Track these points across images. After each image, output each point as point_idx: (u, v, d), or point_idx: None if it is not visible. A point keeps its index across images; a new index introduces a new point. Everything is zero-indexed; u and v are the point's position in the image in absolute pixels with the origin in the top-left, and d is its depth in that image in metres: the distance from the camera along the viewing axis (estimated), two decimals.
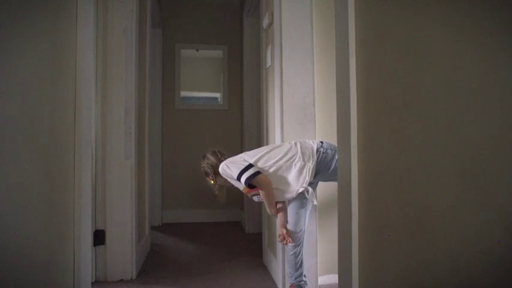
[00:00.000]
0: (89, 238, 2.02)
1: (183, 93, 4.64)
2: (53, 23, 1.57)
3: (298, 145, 2.02)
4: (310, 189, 2.02)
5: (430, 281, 0.84)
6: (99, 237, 2.46)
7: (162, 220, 4.39)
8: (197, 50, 4.69)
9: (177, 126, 4.54)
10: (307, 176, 1.98)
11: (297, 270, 2.06)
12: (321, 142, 2.05)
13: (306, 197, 2.05)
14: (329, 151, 2.02)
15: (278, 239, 2.09)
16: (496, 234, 0.66)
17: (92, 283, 2.32)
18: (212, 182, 2.22)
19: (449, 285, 0.78)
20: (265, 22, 2.74)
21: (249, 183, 2.00)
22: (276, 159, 2.01)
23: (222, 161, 2.13)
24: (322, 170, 2.01)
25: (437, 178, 0.82)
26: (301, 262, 2.07)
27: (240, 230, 4.14)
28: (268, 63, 2.75)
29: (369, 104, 1.13)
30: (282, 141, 2.25)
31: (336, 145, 1.97)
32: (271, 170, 2.00)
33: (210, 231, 4.09)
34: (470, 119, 0.72)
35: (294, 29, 2.29)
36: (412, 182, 0.91)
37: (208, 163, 2.21)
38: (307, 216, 2.10)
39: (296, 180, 1.99)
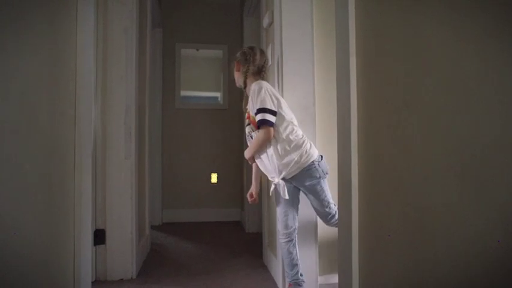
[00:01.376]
0: (89, 237, 2.02)
1: (183, 93, 4.64)
2: (53, 23, 1.57)
3: (306, 146, 1.98)
4: (282, 183, 1.99)
5: (430, 281, 0.84)
6: (99, 237, 2.46)
7: (162, 219, 4.39)
8: (197, 50, 4.69)
9: (177, 125, 4.54)
10: (289, 167, 1.94)
11: (292, 269, 2.05)
12: (321, 157, 2.00)
13: (295, 196, 2.04)
14: (320, 170, 1.95)
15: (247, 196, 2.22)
16: (496, 234, 0.66)
17: (92, 282, 2.32)
18: (235, 69, 2.16)
19: (450, 285, 0.78)
20: (265, 21, 2.74)
21: (259, 122, 1.92)
22: (286, 134, 1.95)
23: (261, 75, 2.07)
24: (300, 178, 1.97)
25: (437, 178, 0.82)
26: (297, 261, 2.06)
27: (240, 229, 4.14)
28: (268, 63, 2.75)
29: (369, 103, 1.13)
30: None
31: (327, 169, 1.98)
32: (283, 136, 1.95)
33: (210, 230, 4.09)
34: (470, 118, 0.72)
35: (294, 29, 2.29)
36: (412, 181, 0.91)
37: (250, 58, 2.09)
38: (297, 213, 2.08)
39: (281, 158, 1.95)
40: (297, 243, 2.07)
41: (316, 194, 1.98)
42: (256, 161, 2.11)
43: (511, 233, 0.63)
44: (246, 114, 2.10)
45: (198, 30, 4.60)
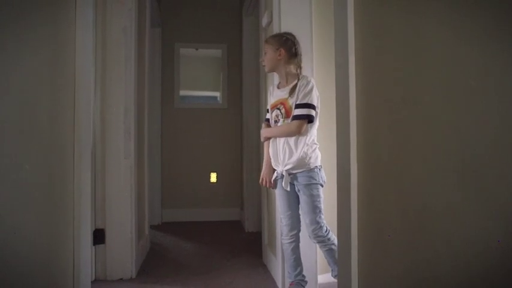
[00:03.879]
0: (88, 237, 2.02)
1: (183, 93, 4.64)
2: (52, 23, 1.56)
3: (316, 150, 2.01)
4: (286, 174, 1.99)
5: (429, 279, 0.84)
6: (98, 237, 2.46)
7: (161, 219, 4.39)
8: (196, 49, 4.68)
9: (176, 125, 4.54)
10: (298, 162, 1.96)
11: (295, 269, 2.06)
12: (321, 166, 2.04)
13: (297, 197, 2.04)
14: (319, 176, 1.99)
15: (260, 183, 2.17)
16: (496, 233, 0.66)
17: (92, 282, 2.31)
18: (276, 54, 2.03)
19: (449, 284, 0.78)
20: (264, 21, 2.74)
21: (299, 116, 1.93)
22: (312, 134, 2.00)
23: (298, 70, 2.04)
24: (301, 177, 1.98)
25: (437, 177, 0.82)
26: (300, 261, 2.07)
27: (239, 229, 4.14)
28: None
29: (368, 102, 1.13)
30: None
31: (325, 179, 1.99)
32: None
33: (210, 230, 4.09)
34: (470, 118, 0.72)
35: (293, 28, 2.28)
36: (411, 180, 0.91)
37: (297, 48, 2.03)
38: (299, 214, 2.07)
39: (304, 143, 1.97)
40: (299, 243, 2.07)
41: (312, 197, 1.97)
42: (270, 142, 2.10)
43: (511, 233, 0.63)
44: (277, 100, 2.07)
45: (197, 29, 4.59)
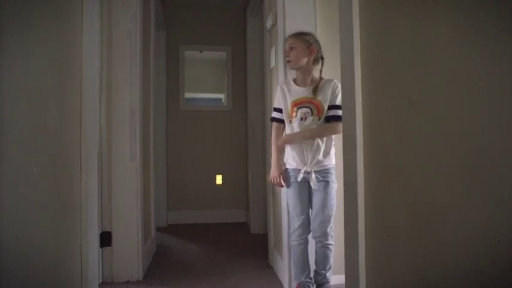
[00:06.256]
0: (96, 240, 2.03)
1: (187, 95, 4.65)
2: (59, 26, 1.58)
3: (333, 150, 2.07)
4: (314, 175, 1.99)
5: (436, 278, 0.84)
6: (105, 239, 2.47)
7: (167, 221, 4.40)
8: (201, 52, 4.70)
9: (181, 127, 4.55)
10: (324, 161, 2.00)
11: (303, 271, 2.05)
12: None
13: (309, 198, 2.05)
14: (333, 174, 2.02)
15: (271, 181, 2.16)
16: (502, 231, 0.66)
17: (99, 285, 2.33)
18: (308, 51, 2.04)
19: (456, 280, 0.78)
20: (268, 23, 2.75)
21: (340, 117, 1.91)
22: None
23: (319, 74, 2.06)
24: (323, 174, 2.00)
25: (443, 175, 0.82)
26: (308, 263, 2.06)
27: (245, 230, 4.14)
28: (272, 64, 2.75)
29: (374, 102, 1.14)
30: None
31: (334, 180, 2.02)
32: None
33: (216, 232, 4.09)
34: (476, 116, 0.72)
35: (297, 29, 2.29)
36: (418, 179, 0.91)
37: (320, 48, 2.07)
38: (310, 215, 2.07)
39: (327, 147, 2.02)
40: (307, 246, 2.06)
41: (328, 195, 2.00)
42: (292, 145, 2.05)
43: None
44: (301, 97, 2.04)
45: (201, 32, 4.61)
